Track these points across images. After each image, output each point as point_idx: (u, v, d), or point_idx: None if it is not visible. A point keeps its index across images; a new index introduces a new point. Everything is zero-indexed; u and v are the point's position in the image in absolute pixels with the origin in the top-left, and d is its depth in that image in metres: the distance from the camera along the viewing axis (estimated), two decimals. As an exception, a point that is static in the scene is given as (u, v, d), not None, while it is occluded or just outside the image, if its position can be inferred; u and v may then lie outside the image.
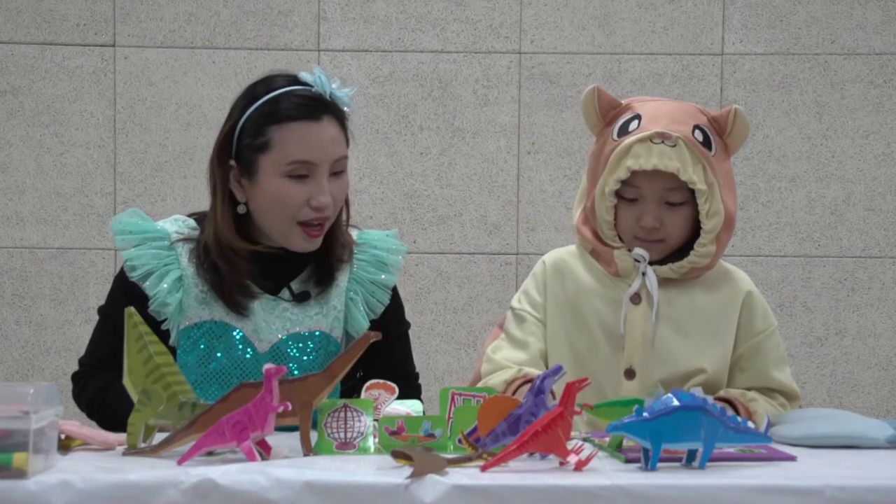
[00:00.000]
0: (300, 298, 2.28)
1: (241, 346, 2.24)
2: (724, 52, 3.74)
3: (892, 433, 1.97)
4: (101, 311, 2.32)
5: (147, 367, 1.92)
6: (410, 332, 2.44)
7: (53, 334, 3.72)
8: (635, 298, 2.28)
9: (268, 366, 1.77)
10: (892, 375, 3.76)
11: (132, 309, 1.96)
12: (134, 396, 1.92)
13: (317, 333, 2.27)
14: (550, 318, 2.33)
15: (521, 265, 3.74)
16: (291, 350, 2.26)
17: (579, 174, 3.67)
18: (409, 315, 2.47)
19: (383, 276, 2.34)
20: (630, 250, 2.28)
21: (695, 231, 2.29)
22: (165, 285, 2.22)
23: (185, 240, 2.27)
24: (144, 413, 1.89)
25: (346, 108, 2.25)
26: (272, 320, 2.25)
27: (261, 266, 2.26)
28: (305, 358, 2.26)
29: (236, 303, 2.23)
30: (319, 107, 2.20)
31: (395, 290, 2.37)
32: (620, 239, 2.30)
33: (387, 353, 2.29)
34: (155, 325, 2.18)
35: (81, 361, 2.32)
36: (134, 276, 2.23)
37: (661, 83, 3.72)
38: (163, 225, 2.29)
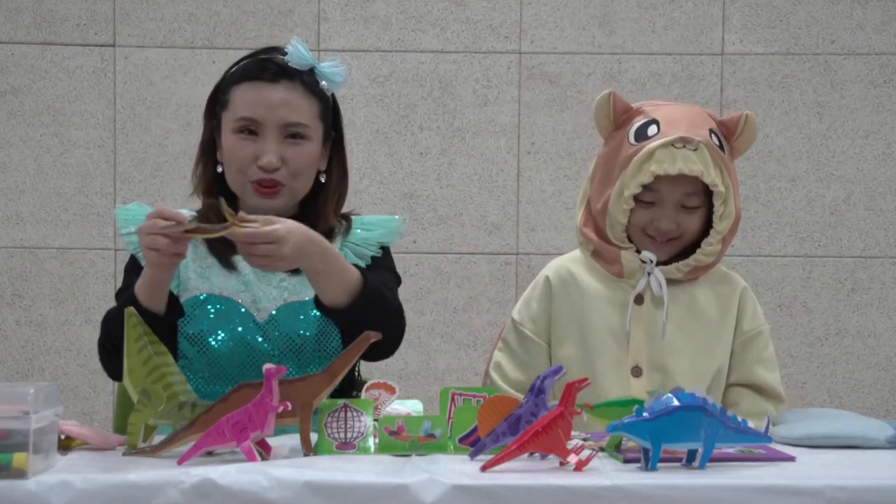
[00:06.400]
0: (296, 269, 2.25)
1: (241, 322, 2.22)
2: (724, 52, 3.74)
3: (892, 433, 1.97)
4: (119, 291, 2.29)
5: (147, 367, 1.92)
6: (411, 331, 2.43)
7: (53, 334, 3.72)
8: (638, 299, 2.30)
9: (268, 366, 1.77)
10: (892, 375, 3.76)
11: (132, 309, 1.96)
12: (134, 396, 1.92)
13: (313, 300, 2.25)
14: (556, 329, 2.35)
15: (521, 265, 3.74)
16: (289, 321, 2.23)
17: (579, 174, 3.68)
18: (409, 315, 2.44)
19: (377, 233, 2.32)
20: (639, 251, 2.30)
21: (703, 231, 2.31)
22: None
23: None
24: (144, 413, 1.89)
25: (323, 83, 2.26)
26: (269, 290, 2.25)
27: None
28: (302, 331, 2.23)
29: (220, 252, 2.23)
30: (279, 72, 2.23)
31: (386, 250, 2.34)
32: (629, 239, 2.31)
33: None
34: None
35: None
36: (138, 251, 2.21)
37: (661, 83, 3.72)
38: None
